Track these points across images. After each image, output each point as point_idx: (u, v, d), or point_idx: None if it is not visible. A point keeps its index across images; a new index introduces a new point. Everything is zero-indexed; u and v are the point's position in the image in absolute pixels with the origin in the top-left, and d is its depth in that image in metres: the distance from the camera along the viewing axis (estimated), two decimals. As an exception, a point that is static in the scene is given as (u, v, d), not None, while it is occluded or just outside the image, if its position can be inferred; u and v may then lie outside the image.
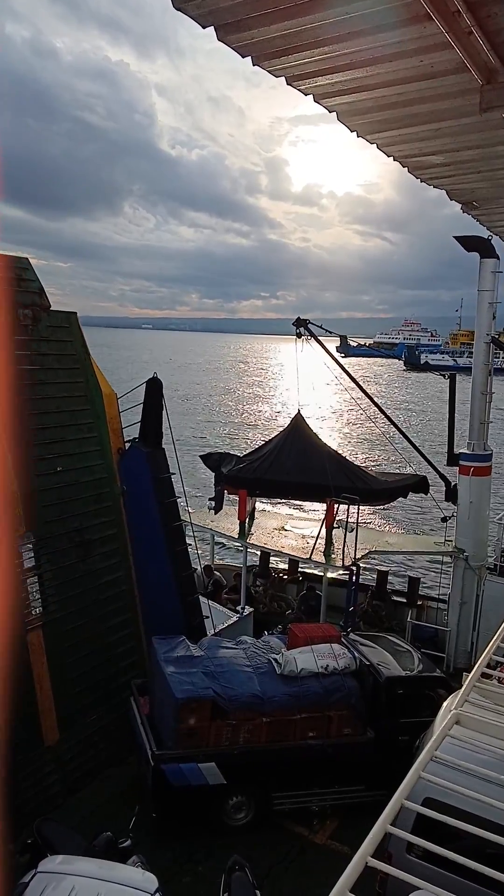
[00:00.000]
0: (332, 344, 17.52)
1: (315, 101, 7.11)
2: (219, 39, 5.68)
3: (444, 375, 16.76)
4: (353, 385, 16.99)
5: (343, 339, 16.01)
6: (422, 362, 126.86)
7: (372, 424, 22.60)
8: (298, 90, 6.80)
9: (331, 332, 17.64)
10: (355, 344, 16.95)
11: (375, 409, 17.06)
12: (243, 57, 6.02)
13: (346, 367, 16.71)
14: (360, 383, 17.07)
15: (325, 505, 15.16)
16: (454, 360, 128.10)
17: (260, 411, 76.16)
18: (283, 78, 6.52)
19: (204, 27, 5.51)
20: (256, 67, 6.17)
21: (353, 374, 16.93)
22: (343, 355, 18.16)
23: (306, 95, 6.94)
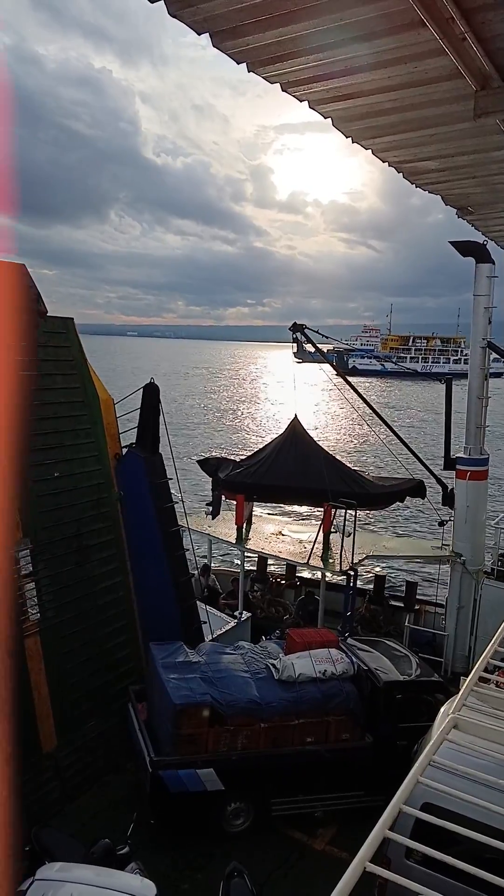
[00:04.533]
0: (325, 347, 17.54)
1: (310, 107, 7.13)
2: (214, 46, 5.68)
3: (440, 380, 16.80)
4: (345, 388, 17.03)
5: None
6: (350, 367, 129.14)
7: (368, 429, 22.65)
8: (293, 96, 6.81)
9: (327, 337, 17.68)
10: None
11: (373, 413, 17.10)
12: (238, 63, 6.03)
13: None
14: (341, 388, 17.11)
15: (322, 509, 15.17)
16: (382, 365, 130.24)
17: (255, 417, 76.19)
18: (277, 84, 6.54)
19: (199, 34, 5.52)
20: (242, 76, 6.20)
21: (347, 380, 16.98)
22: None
23: (301, 102, 6.96)
